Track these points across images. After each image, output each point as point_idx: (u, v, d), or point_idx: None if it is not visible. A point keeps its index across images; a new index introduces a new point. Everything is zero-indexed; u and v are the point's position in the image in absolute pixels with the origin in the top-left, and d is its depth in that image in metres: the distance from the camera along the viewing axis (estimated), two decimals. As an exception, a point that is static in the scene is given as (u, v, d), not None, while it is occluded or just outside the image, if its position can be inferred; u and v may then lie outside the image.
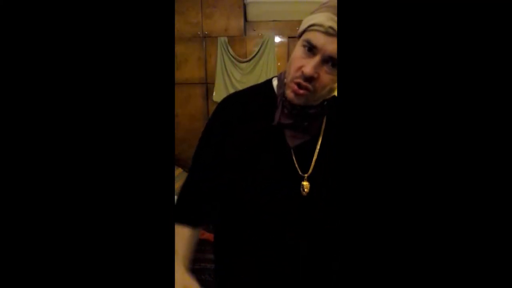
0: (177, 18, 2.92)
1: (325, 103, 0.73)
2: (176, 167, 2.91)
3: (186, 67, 3.05)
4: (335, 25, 0.62)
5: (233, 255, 0.76)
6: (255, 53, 2.96)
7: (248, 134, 0.73)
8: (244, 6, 3.00)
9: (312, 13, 0.66)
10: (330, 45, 0.63)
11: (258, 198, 0.71)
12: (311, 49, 0.65)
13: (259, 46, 2.95)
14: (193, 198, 0.77)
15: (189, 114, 3.12)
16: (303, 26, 0.67)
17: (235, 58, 2.98)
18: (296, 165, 0.72)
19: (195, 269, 2.11)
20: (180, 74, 3.04)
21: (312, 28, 0.64)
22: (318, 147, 0.73)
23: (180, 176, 2.87)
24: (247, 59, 2.99)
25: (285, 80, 0.71)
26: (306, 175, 0.72)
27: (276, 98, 0.73)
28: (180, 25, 2.97)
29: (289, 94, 0.68)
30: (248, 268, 0.74)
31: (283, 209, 0.70)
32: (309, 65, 0.64)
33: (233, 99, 0.80)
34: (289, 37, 2.97)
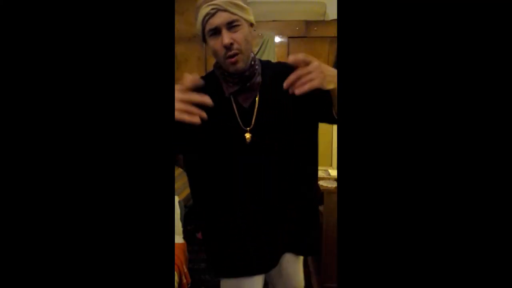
0: (177, 18, 2.92)
1: (252, 62, 0.92)
2: (176, 167, 2.90)
3: (186, 67, 3.05)
4: (213, 6, 0.82)
5: (206, 196, 0.99)
6: (255, 53, 2.95)
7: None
8: (244, 6, 3.00)
9: (196, 19, 0.90)
10: (220, 18, 0.84)
11: (216, 153, 0.93)
12: (216, 31, 0.85)
13: (259, 46, 2.94)
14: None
15: (189, 114, 3.12)
16: (199, 29, 0.89)
17: (235, 58, 2.98)
18: (240, 123, 0.93)
19: (194, 269, 2.11)
20: (180, 74, 3.03)
21: (204, 21, 0.85)
22: (256, 105, 0.94)
23: (180, 176, 2.86)
24: (247, 59, 2.98)
25: (219, 65, 0.91)
26: (248, 128, 0.93)
27: (219, 80, 0.94)
28: (180, 25, 2.96)
29: (230, 68, 0.88)
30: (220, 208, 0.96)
31: (232, 156, 0.92)
32: (224, 39, 0.84)
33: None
34: (289, 37, 2.96)
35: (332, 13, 3.09)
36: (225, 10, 0.83)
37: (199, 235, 2.59)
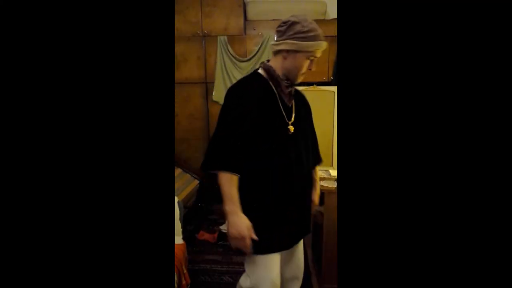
0: (176, 18, 2.91)
1: None
2: (175, 167, 2.90)
3: (186, 67, 3.04)
4: (324, 46, 1.18)
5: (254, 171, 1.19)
6: (255, 52, 2.95)
7: (256, 103, 1.18)
8: (244, 5, 2.99)
9: (307, 39, 1.13)
10: (320, 54, 1.21)
11: (267, 138, 1.17)
12: (312, 58, 1.19)
13: (259, 45, 2.94)
14: (231, 152, 1.14)
15: (189, 114, 3.11)
16: (306, 48, 1.15)
17: (234, 57, 2.98)
18: (285, 117, 1.22)
19: (194, 270, 2.10)
20: (180, 73, 3.03)
21: (316, 49, 1.16)
22: (294, 105, 1.27)
23: (180, 176, 2.86)
24: (247, 58, 2.98)
25: (289, 74, 1.22)
26: (290, 122, 1.23)
27: (267, 81, 1.23)
28: (180, 24, 2.96)
29: (299, 80, 1.23)
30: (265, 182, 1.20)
31: (280, 142, 1.20)
32: (313, 67, 1.22)
33: (238, 85, 1.24)
34: (289, 37, 2.96)
35: (332, 12, 3.08)
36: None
37: (198, 236, 2.58)
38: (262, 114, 1.17)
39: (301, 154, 1.26)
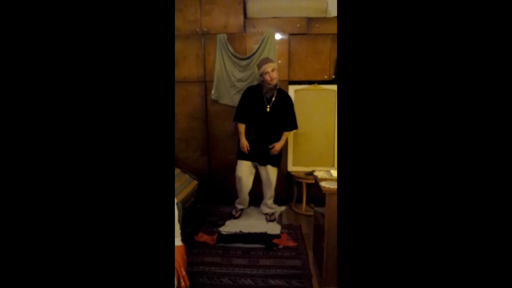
0: (175, 15, 2.88)
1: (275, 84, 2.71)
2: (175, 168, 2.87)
3: (185, 65, 3.00)
4: (274, 65, 2.69)
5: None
6: (255, 50, 2.92)
7: (253, 100, 2.78)
8: (244, 2, 2.95)
9: (261, 65, 2.64)
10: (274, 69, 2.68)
11: (254, 114, 2.77)
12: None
13: (259, 43, 2.91)
14: (240, 114, 2.80)
15: (187, 113, 3.08)
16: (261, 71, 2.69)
17: (234, 56, 2.94)
18: (266, 104, 2.73)
19: (193, 272, 2.07)
20: (179, 72, 3.00)
21: (268, 70, 2.63)
22: (273, 98, 2.73)
23: (178, 177, 2.83)
24: (247, 56, 2.95)
25: (264, 83, 2.70)
26: (268, 106, 2.72)
27: (262, 87, 2.77)
28: (179, 22, 2.92)
29: (272, 83, 2.67)
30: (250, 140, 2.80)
31: (261, 117, 2.75)
32: (274, 77, 2.67)
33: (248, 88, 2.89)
34: (290, 34, 2.93)
35: (333, 10, 3.06)
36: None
37: (197, 238, 2.55)
38: (254, 103, 2.74)
39: (273, 121, 2.71)
